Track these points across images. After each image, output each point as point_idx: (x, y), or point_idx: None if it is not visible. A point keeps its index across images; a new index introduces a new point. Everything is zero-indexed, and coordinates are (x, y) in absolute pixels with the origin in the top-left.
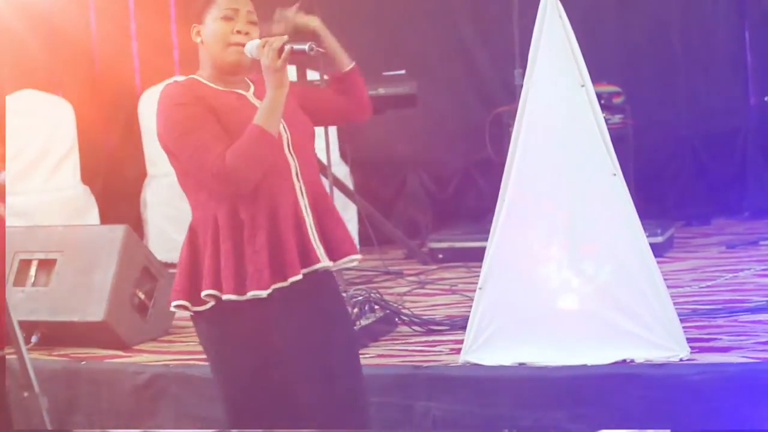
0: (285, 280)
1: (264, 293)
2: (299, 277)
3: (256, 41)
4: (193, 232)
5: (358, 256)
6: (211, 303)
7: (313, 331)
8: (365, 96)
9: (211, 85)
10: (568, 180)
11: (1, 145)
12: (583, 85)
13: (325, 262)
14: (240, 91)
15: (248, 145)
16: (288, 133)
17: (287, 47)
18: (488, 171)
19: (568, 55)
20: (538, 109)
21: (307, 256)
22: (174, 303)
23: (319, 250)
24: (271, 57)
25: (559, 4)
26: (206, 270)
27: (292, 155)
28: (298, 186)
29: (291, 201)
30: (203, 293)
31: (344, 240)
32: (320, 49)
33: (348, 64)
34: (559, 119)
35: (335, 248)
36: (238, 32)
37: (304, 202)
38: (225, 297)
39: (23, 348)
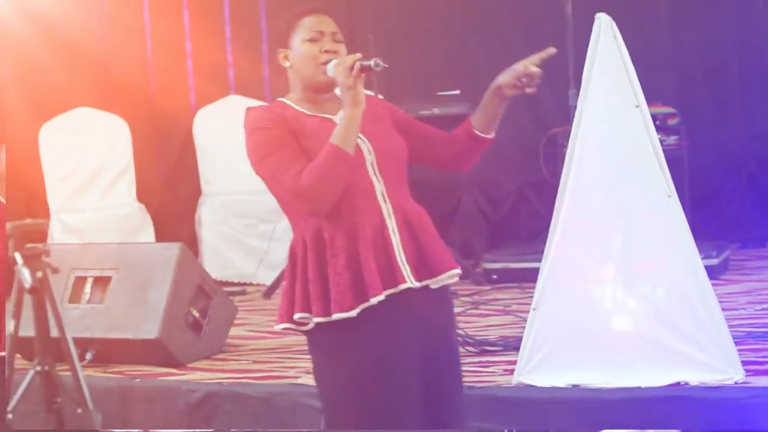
0: (367, 300)
1: (350, 314)
2: (381, 297)
3: (334, 61)
4: (291, 253)
5: (457, 271)
6: (311, 324)
7: (410, 350)
8: (475, 162)
9: (297, 107)
10: (623, 201)
11: None
12: (637, 106)
13: (410, 283)
14: (326, 115)
15: (323, 163)
16: (373, 153)
17: (357, 64)
18: (543, 192)
19: (623, 76)
20: (592, 130)
21: (391, 277)
22: (278, 326)
23: (406, 270)
24: (344, 74)
25: (614, 25)
26: (297, 293)
27: (377, 176)
28: (385, 208)
29: (375, 222)
30: (295, 316)
31: (442, 256)
32: (384, 65)
33: (492, 133)
34: (614, 140)
35: (433, 266)
36: (327, 51)
37: (392, 224)
38: (315, 320)
39: (77, 364)
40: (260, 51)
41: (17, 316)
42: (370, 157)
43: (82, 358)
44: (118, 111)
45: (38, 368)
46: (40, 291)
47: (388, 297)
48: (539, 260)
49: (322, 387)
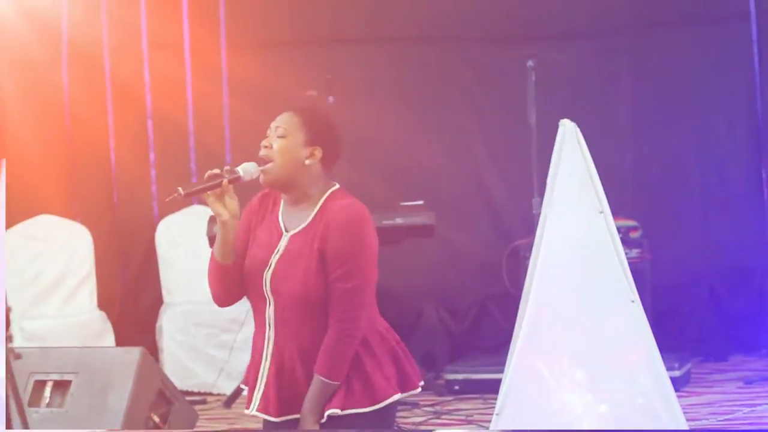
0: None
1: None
2: (248, 411)
3: (246, 164)
4: None
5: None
6: None
7: None
8: None
9: (280, 207)
10: (587, 306)
11: None
12: (601, 212)
13: (252, 410)
14: (283, 230)
15: (208, 265)
16: (269, 282)
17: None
18: (505, 305)
19: (587, 181)
20: (556, 235)
21: (252, 400)
22: None
23: (256, 399)
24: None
25: (578, 131)
26: None
27: (269, 304)
28: (268, 334)
29: (259, 344)
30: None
31: (297, 400)
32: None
33: None
34: (578, 245)
35: (285, 405)
36: (265, 146)
37: (267, 350)
38: None
39: None
40: (224, 160)
41: None
42: (265, 285)
43: None
44: (80, 219)
45: None
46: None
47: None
48: (501, 371)
49: None
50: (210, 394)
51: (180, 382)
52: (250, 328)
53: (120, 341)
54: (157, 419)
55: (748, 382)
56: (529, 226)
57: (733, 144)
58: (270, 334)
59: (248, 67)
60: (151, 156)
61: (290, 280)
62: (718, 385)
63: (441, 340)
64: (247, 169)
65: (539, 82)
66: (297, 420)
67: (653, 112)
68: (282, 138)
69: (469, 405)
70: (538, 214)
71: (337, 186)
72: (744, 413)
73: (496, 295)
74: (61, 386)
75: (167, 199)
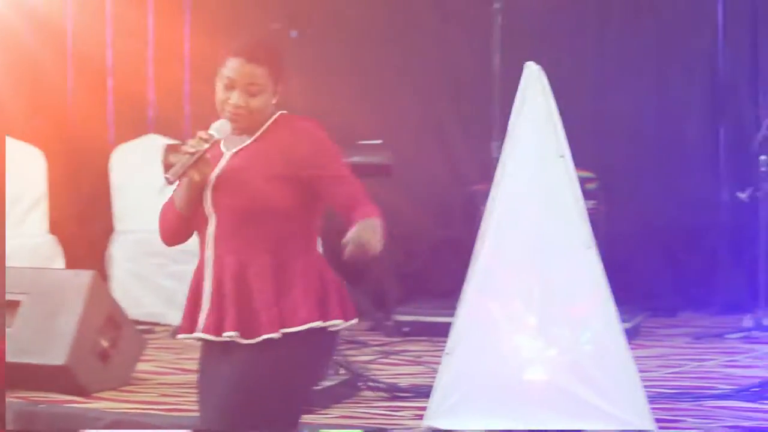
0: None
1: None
2: (183, 336)
3: (218, 123)
4: None
5: (233, 334)
6: None
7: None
8: None
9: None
10: (543, 250)
11: None
12: (562, 156)
13: (197, 332)
14: (225, 147)
15: (163, 209)
16: (210, 198)
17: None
18: (457, 249)
19: (549, 125)
20: (515, 178)
21: (191, 321)
22: None
23: (202, 320)
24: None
25: (543, 74)
26: None
27: (211, 219)
28: (208, 252)
29: (201, 263)
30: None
31: (226, 318)
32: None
33: None
34: (536, 188)
35: (220, 324)
36: (233, 105)
37: (208, 269)
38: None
39: None
40: (182, 90)
41: None
42: (209, 200)
43: None
44: (34, 141)
45: None
46: None
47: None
48: (452, 315)
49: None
50: (158, 324)
51: (129, 311)
52: None
53: (70, 267)
54: (105, 344)
55: (697, 337)
56: (486, 170)
57: (692, 101)
58: (209, 253)
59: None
60: (109, 82)
61: (231, 192)
62: (667, 340)
63: (392, 282)
64: (222, 130)
65: (505, 26)
66: (234, 339)
67: (616, 65)
68: (255, 97)
69: (418, 347)
70: (497, 159)
71: (284, 111)
72: (692, 367)
73: (450, 239)
74: (10, 306)
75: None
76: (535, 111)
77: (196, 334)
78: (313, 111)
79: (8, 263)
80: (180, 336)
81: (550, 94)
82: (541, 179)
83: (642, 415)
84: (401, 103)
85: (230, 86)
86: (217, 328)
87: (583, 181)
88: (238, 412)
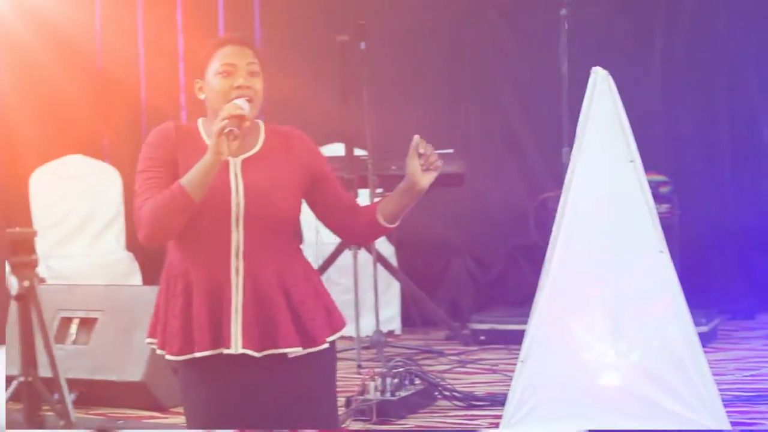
0: (192, 353)
1: (175, 358)
2: (206, 353)
3: (234, 102)
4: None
5: (295, 350)
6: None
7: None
8: (370, 242)
9: (202, 133)
10: (614, 255)
11: None
12: (632, 161)
13: (235, 348)
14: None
15: (163, 200)
16: (242, 206)
17: (227, 128)
18: (532, 257)
19: (617, 130)
20: (585, 183)
21: (219, 336)
22: None
23: (236, 334)
24: (216, 124)
25: (610, 79)
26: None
27: (238, 230)
28: (235, 264)
29: (218, 276)
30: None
31: (279, 331)
32: (236, 130)
33: (396, 223)
34: (606, 193)
35: (272, 337)
36: (238, 87)
37: (237, 282)
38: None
39: (62, 377)
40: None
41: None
42: (236, 210)
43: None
44: (109, 160)
45: (22, 379)
46: (26, 299)
47: (220, 355)
48: (527, 323)
49: None
50: None
51: None
52: None
53: (147, 283)
54: None
55: None
56: (558, 177)
57: (765, 100)
58: (238, 263)
59: (281, 12)
60: (182, 98)
61: (266, 202)
62: (744, 342)
63: (468, 290)
64: (246, 107)
65: (571, 31)
66: (277, 355)
67: (685, 66)
68: (257, 76)
69: (494, 355)
70: (567, 165)
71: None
72: None
73: (524, 246)
74: (87, 323)
75: (227, 129)
76: (602, 116)
77: (235, 350)
78: (383, 121)
79: (85, 280)
80: (200, 354)
81: (618, 98)
82: (611, 184)
83: (718, 418)
84: (471, 112)
85: (231, 72)
86: (262, 343)
87: (656, 185)
88: (300, 423)
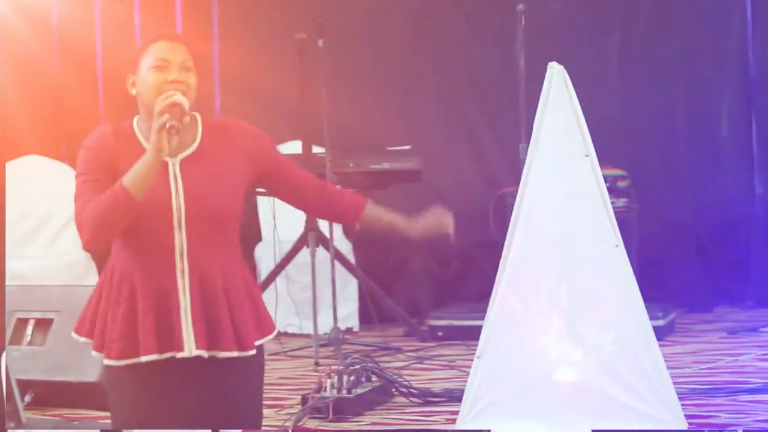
0: (135, 357)
1: (115, 363)
2: (153, 357)
3: (169, 94)
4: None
5: (237, 354)
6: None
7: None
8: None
9: (138, 134)
10: (570, 249)
11: None
12: (587, 155)
13: (189, 351)
14: (165, 159)
15: (104, 201)
16: (183, 208)
17: (168, 123)
18: (491, 253)
19: (573, 125)
20: (541, 178)
21: (169, 339)
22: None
23: (189, 336)
24: (156, 119)
25: (566, 74)
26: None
27: (181, 232)
28: (180, 266)
29: (163, 279)
30: (82, 339)
31: (221, 333)
32: (177, 125)
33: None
34: (562, 188)
35: (215, 338)
36: (172, 82)
37: (183, 283)
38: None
39: (20, 407)
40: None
41: None
42: (177, 213)
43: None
44: (67, 160)
45: None
46: None
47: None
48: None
49: None
50: None
51: None
52: None
53: None
54: None
55: (732, 332)
56: (516, 174)
57: (723, 95)
58: (183, 265)
59: (239, 9)
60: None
61: (205, 200)
62: (702, 335)
63: (425, 287)
64: (184, 101)
65: (529, 27)
66: (219, 356)
67: (642, 60)
68: (191, 71)
69: (451, 351)
70: (524, 161)
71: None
72: (727, 362)
73: (482, 243)
74: (43, 324)
75: (168, 125)
76: (558, 111)
77: (189, 353)
78: (341, 119)
79: (43, 281)
80: (146, 358)
81: (573, 93)
82: (566, 178)
83: (673, 412)
84: (428, 109)
85: (164, 67)
86: (210, 343)
87: (614, 180)
88: (237, 424)
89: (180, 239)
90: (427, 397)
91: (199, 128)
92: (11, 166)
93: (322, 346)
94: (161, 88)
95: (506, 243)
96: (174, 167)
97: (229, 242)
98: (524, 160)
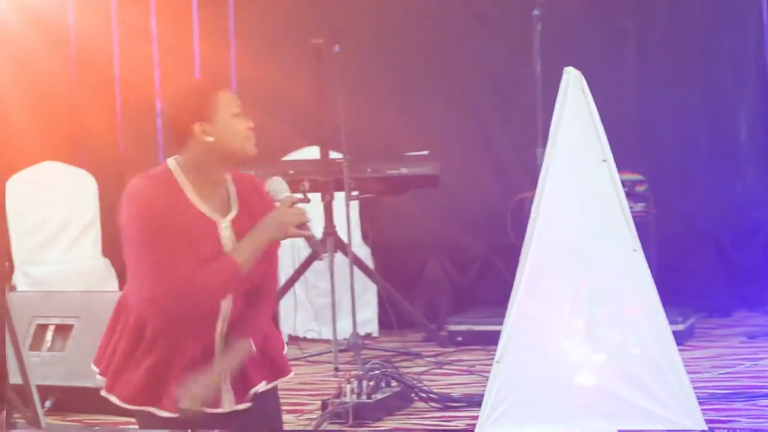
0: (152, 406)
1: (129, 407)
2: (170, 414)
3: (283, 184)
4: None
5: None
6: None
7: None
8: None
9: (186, 191)
10: (588, 254)
11: None
12: (604, 160)
13: (229, 407)
14: (213, 215)
15: (223, 275)
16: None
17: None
18: (509, 257)
19: (590, 129)
20: (558, 183)
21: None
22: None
23: (228, 396)
24: (292, 219)
25: (582, 79)
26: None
27: (228, 298)
28: (220, 328)
29: (203, 341)
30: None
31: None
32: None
33: None
34: (580, 194)
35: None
36: (251, 129)
37: (220, 345)
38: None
39: (39, 411)
40: None
41: None
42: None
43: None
44: (85, 166)
45: None
46: None
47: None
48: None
49: None
50: None
51: None
52: None
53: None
54: None
55: (752, 336)
56: (534, 178)
57: (740, 98)
58: (223, 327)
59: (256, 15)
60: (158, 104)
61: (258, 265)
62: (721, 340)
63: (444, 292)
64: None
65: (545, 32)
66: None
67: (659, 65)
68: None
69: (471, 356)
70: (542, 165)
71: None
72: (746, 367)
73: (501, 247)
74: (62, 330)
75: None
76: (575, 116)
77: (229, 408)
78: (358, 124)
79: (62, 287)
80: (163, 413)
81: (590, 97)
82: (584, 184)
83: (693, 416)
84: (445, 114)
85: (240, 114)
86: (241, 398)
87: (632, 184)
88: None
89: (227, 305)
90: (446, 403)
91: (231, 185)
92: (30, 172)
93: (341, 351)
94: (247, 136)
95: (524, 247)
96: (225, 231)
97: (266, 306)
98: (541, 164)
